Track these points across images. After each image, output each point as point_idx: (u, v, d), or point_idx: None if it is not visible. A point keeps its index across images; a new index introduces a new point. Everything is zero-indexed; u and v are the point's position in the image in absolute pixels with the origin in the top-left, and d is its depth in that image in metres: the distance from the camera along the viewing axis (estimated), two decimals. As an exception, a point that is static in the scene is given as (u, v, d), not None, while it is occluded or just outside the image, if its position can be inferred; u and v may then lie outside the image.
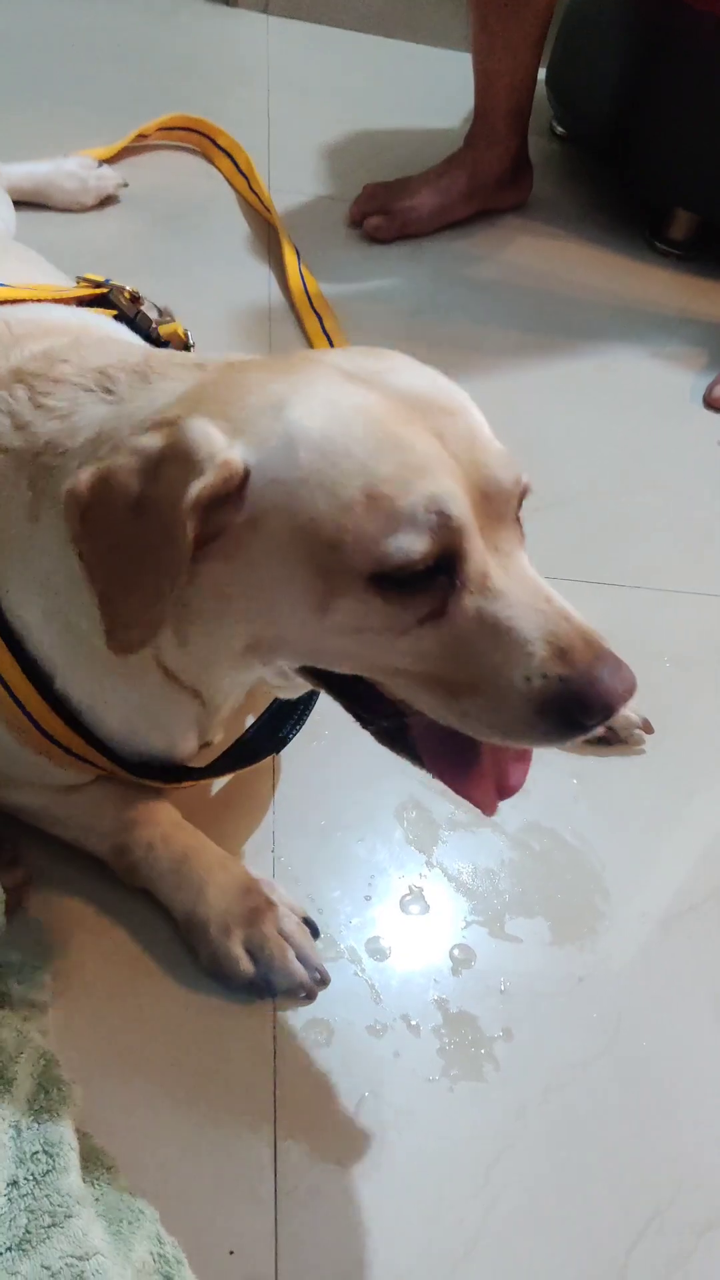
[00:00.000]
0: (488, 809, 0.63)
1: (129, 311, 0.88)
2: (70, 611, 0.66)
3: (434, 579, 0.56)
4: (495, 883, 0.86)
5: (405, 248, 1.49)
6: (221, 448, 0.56)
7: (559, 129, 1.83)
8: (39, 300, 0.83)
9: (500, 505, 0.58)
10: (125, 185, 1.45)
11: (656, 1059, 0.78)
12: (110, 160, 1.49)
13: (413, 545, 0.54)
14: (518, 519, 0.60)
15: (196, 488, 0.55)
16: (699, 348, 1.49)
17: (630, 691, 0.57)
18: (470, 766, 0.62)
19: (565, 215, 1.67)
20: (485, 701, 0.56)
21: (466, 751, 0.62)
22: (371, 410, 0.56)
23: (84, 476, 0.58)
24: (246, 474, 0.56)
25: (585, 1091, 0.75)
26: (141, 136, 1.52)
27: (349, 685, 0.64)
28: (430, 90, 1.89)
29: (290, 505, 0.56)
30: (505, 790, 0.63)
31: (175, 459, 0.56)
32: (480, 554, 0.56)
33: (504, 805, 0.91)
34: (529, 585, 0.58)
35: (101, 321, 0.84)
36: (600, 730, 0.93)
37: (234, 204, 1.50)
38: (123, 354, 0.69)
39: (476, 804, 0.63)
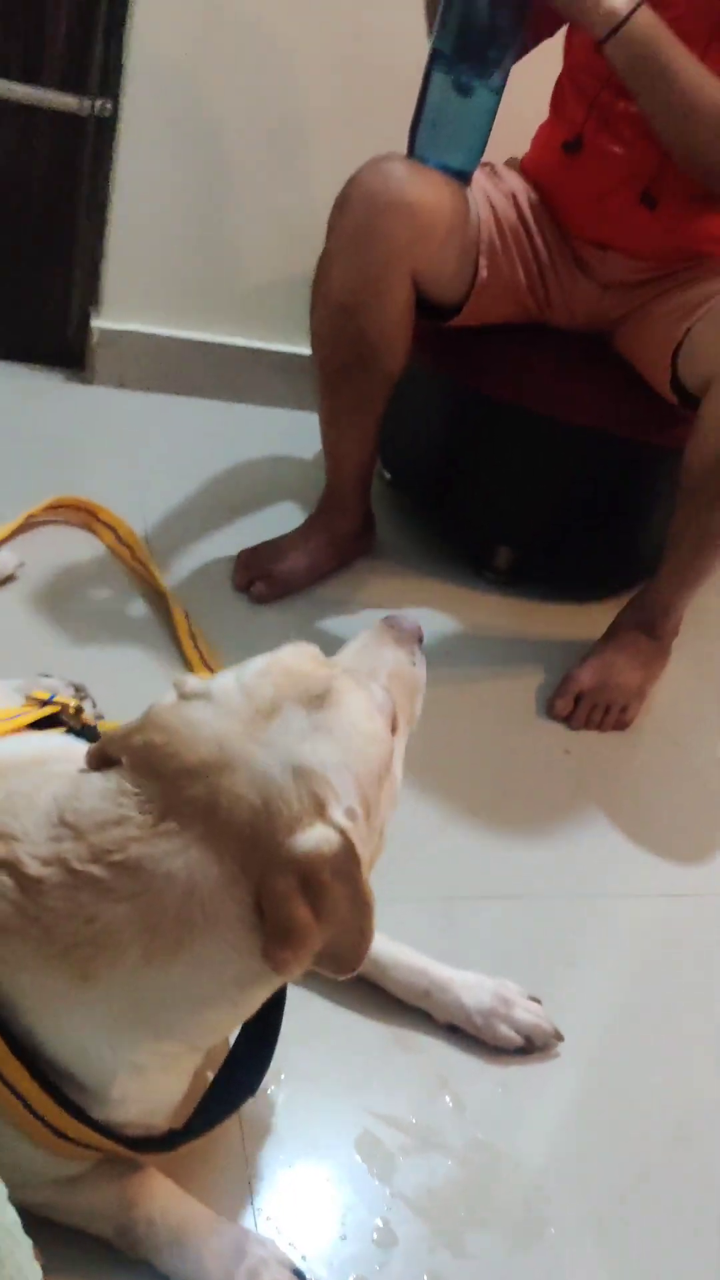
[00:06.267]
0: None
1: (76, 727, 1.01)
2: (148, 1036, 0.77)
3: None
4: (450, 1204, 0.96)
5: (281, 601, 1.70)
6: (325, 840, 0.73)
7: (387, 474, 2.13)
8: None
9: None
10: (22, 564, 1.61)
11: None
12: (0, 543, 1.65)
13: None
14: None
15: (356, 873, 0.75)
16: (536, 663, 1.73)
17: None
18: None
19: (404, 555, 1.93)
20: None
21: None
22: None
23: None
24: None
25: None
26: (30, 518, 1.71)
27: None
28: (275, 441, 2.17)
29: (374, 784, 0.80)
30: None
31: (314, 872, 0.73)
32: None
33: (446, 1124, 1.02)
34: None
35: (55, 750, 0.93)
36: (520, 1041, 1.08)
37: (123, 574, 1.68)
38: (62, 844, 0.75)
39: None
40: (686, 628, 1.73)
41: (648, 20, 1.37)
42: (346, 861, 0.74)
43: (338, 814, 0.74)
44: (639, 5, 1.36)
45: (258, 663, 0.82)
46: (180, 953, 0.74)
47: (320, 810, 0.74)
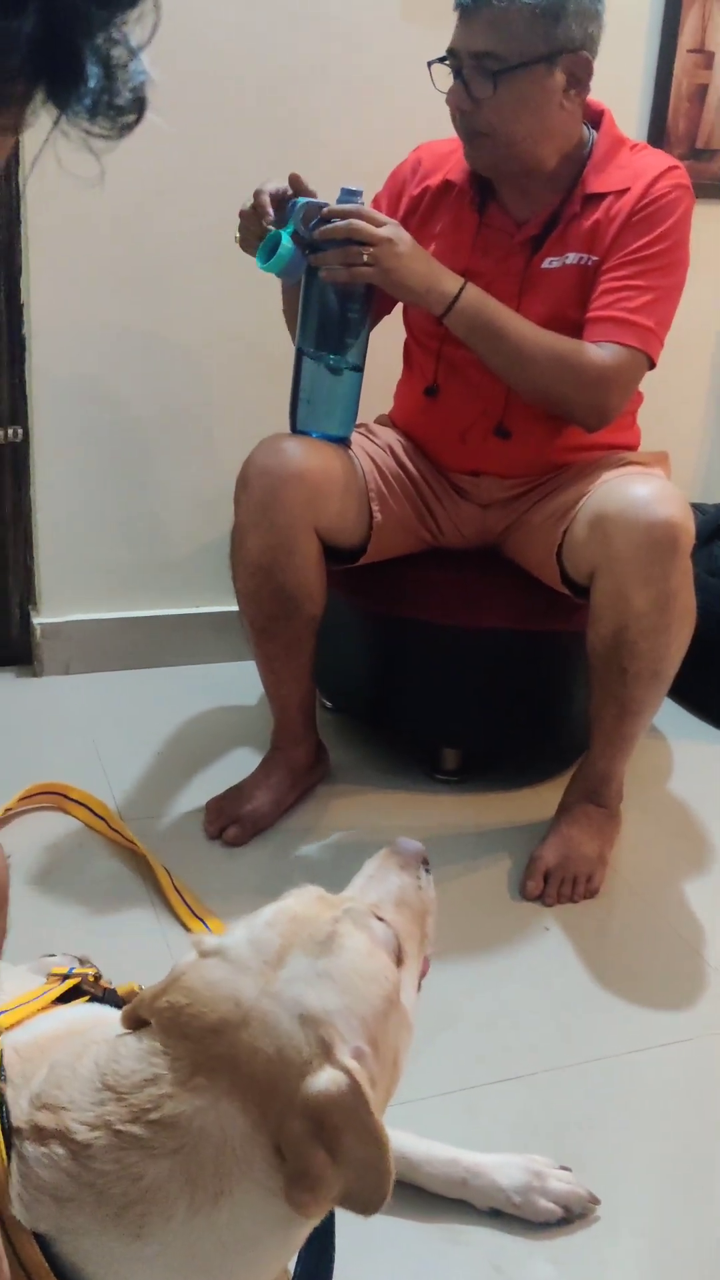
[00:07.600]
0: None
1: (98, 993, 1.09)
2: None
3: None
4: None
5: (253, 840, 1.81)
6: (333, 1081, 0.76)
7: (327, 704, 2.28)
8: (30, 1016, 1.01)
9: None
10: (9, 856, 1.70)
11: None
12: (-13, 840, 1.75)
13: None
14: None
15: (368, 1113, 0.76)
16: (500, 850, 1.84)
17: None
18: None
19: (358, 773, 2.05)
20: None
21: None
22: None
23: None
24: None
25: None
26: (7, 811, 1.81)
27: None
28: (219, 693, 2.32)
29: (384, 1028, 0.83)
30: None
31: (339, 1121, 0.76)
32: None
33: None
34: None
35: (87, 1018, 0.99)
36: (560, 1212, 1.13)
37: (103, 845, 1.78)
38: (101, 1111, 0.81)
39: None
40: (629, 788, 1.86)
41: (474, 294, 1.64)
42: (354, 1100, 0.76)
43: (344, 1055, 0.78)
44: (465, 285, 1.63)
45: (266, 913, 0.87)
46: (222, 1201, 0.79)
47: (328, 1053, 0.77)
